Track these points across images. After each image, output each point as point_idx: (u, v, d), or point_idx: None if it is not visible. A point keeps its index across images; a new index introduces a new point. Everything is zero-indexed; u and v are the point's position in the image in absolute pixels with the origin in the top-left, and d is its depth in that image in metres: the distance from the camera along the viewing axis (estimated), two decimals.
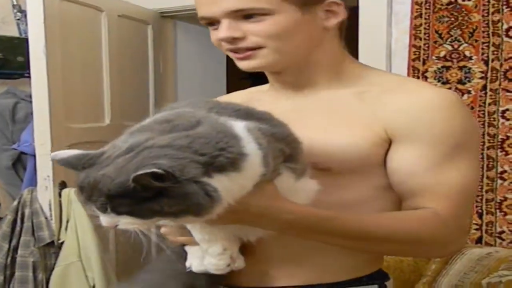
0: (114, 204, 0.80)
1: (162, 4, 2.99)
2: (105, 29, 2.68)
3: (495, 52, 2.14)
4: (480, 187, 2.15)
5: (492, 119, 2.15)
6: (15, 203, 2.45)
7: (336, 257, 1.09)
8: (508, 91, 2.12)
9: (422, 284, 1.87)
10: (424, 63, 2.26)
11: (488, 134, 2.15)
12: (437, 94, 1.06)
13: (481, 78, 2.17)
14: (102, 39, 2.68)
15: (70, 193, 2.39)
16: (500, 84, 2.14)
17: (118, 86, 2.77)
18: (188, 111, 0.92)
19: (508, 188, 2.12)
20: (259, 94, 1.24)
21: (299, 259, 1.11)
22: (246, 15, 1.03)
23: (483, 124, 2.15)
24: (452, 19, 2.21)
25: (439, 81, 2.23)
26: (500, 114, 2.14)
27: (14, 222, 2.41)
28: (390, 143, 1.05)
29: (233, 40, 1.05)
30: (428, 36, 2.25)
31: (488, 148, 2.15)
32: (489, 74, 2.16)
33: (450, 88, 2.19)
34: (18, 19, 3.05)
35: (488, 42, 2.15)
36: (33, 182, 2.55)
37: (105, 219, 0.83)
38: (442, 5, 2.22)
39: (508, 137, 2.12)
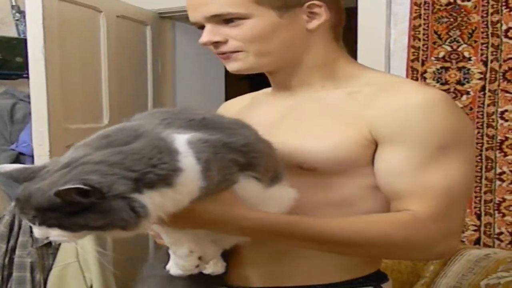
0: (44, 217, 0.83)
1: (161, 5, 2.99)
2: (103, 30, 2.68)
3: (494, 53, 2.14)
4: (478, 188, 2.15)
5: (491, 120, 2.14)
6: (13, 203, 2.45)
7: (331, 258, 1.09)
8: (507, 92, 2.12)
9: (420, 286, 1.87)
10: (423, 64, 2.26)
11: (487, 135, 2.15)
12: (421, 95, 1.04)
13: (480, 79, 2.16)
14: (101, 40, 2.68)
15: None
16: (499, 85, 2.14)
17: (116, 87, 2.77)
18: (134, 125, 0.93)
19: (507, 189, 2.12)
20: (262, 96, 1.27)
21: (293, 259, 1.11)
22: (226, 19, 1.06)
23: (482, 125, 2.15)
24: (451, 19, 2.21)
25: (438, 82, 2.23)
26: (499, 115, 2.13)
27: (12, 222, 2.41)
28: (376, 144, 1.05)
29: (215, 44, 1.09)
30: (427, 37, 2.25)
31: (486, 149, 2.15)
32: (488, 75, 2.15)
33: (448, 89, 2.19)
34: (17, 20, 3.05)
35: (487, 43, 2.15)
36: None
37: (37, 231, 0.85)
38: (441, 5, 2.22)
39: (507, 138, 2.12)
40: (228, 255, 1.12)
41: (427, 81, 2.24)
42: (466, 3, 2.18)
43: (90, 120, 2.64)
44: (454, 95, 2.19)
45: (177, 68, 3.24)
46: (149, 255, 2.91)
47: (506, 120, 2.12)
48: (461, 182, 1.04)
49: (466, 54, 2.19)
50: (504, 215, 2.13)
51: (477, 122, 2.15)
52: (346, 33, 1.18)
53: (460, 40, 2.20)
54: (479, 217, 2.16)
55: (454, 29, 2.20)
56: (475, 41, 2.17)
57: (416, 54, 2.27)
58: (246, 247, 1.10)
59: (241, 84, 3.31)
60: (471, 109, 2.16)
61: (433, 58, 2.24)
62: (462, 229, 1.26)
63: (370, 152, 1.05)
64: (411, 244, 1.02)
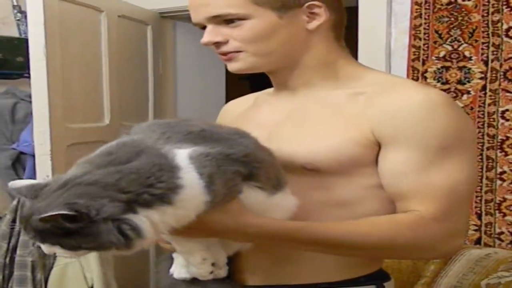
0: (43, 237, 0.85)
1: (162, 5, 2.99)
2: (104, 30, 2.68)
3: (495, 52, 2.14)
4: (479, 188, 2.15)
5: (491, 120, 2.14)
6: (14, 202, 2.45)
7: (334, 257, 1.09)
8: (507, 91, 2.12)
9: (421, 285, 1.87)
10: (423, 63, 2.26)
11: (488, 135, 2.15)
12: (422, 95, 1.05)
13: (481, 78, 2.16)
14: (102, 40, 2.68)
15: None
16: (499, 85, 2.14)
17: (117, 87, 2.77)
18: (135, 140, 0.94)
19: (508, 189, 2.12)
20: (264, 96, 1.27)
21: (296, 258, 1.12)
22: (227, 20, 1.08)
23: (483, 125, 2.15)
24: (452, 19, 2.21)
25: (438, 81, 2.23)
26: (499, 115, 2.13)
27: (13, 221, 2.41)
28: (379, 144, 1.05)
29: (216, 44, 1.11)
30: (428, 36, 2.25)
31: (487, 149, 2.15)
32: (488, 75, 2.15)
33: (449, 89, 2.19)
34: (18, 20, 3.06)
35: (488, 42, 2.15)
36: None
37: (44, 248, 0.87)
38: (442, 5, 2.21)
39: (507, 138, 2.12)
40: (231, 256, 1.13)
41: (428, 80, 2.24)
42: (466, 2, 2.18)
43: (91, 119, 2.64)
44: (454, 94, 2.19)
45: (178, 67, 3.24)
46: (149, 255, 2.91)
47: (507, 120, 2.12)
48: (465, 182, 1.04)
49: (466, 53, 2.19)
50: (505, 214, 2.13)
51: (478, 122, 2.15)
52: (346, 32, 1.18)
53: (461, 39, 2.20)
54: (479, 216, 2.16)
55: (455, 28, 2.20)
56: (476, 41, 2.17)
57: (416, 53, 2.27)
58: (248, 249, 1.11)
59: (242, 84, 3.32)
60: (471, 108, 2.16)
61: (433, 58, 2.24)
62: (467, 228, 1.26)
63: (372, 153, 1.06)
64: (417, 245, 1.03)
